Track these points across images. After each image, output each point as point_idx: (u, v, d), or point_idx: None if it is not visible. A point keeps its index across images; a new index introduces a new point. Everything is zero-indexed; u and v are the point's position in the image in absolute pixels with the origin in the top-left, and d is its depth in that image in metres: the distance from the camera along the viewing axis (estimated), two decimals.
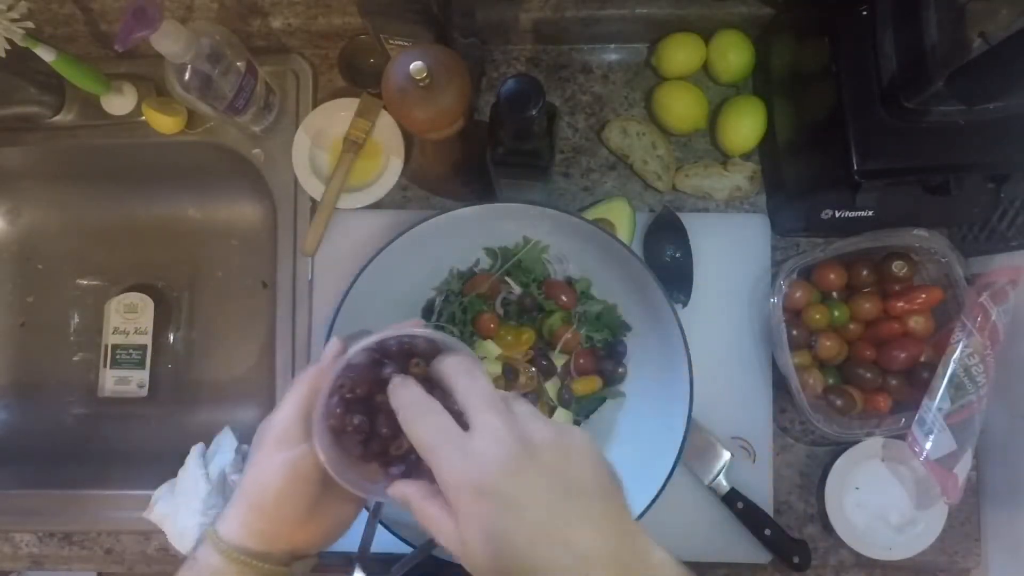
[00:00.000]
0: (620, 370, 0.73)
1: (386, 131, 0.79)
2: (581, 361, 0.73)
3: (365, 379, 0.44)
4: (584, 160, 0.81)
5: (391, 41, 0.68)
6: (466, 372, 0.41)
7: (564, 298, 0.72)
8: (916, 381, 0.71)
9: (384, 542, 0.58)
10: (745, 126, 0.76)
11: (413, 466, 0.42)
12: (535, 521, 0.35)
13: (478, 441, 0.37)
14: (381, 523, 0.59)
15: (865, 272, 0.74)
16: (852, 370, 0.74)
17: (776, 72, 0.76)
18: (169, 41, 0.62)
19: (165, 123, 0.79)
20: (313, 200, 0.80)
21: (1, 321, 0.96)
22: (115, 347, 0.91)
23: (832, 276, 0.74)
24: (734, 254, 0.78)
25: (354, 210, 0.79)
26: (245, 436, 0.76)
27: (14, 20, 0.65)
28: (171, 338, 0.95)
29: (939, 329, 0.73)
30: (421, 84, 0.56)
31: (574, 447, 0.38)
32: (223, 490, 0.73)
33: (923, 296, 0.73)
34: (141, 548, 0.81)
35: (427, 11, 0.62)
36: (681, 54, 0.77)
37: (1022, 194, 0.69)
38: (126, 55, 0.69)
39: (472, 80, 0.61)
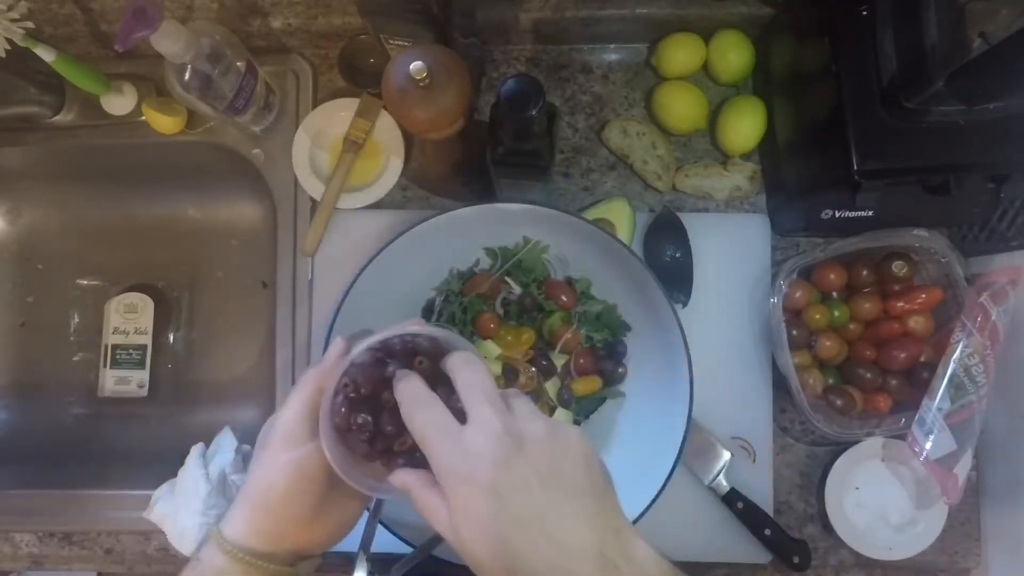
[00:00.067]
0: (620, 370, 0.73)
1: (386, 131, 0.79)
2: (581, 361, 0.73)
3: (369, 378, 0.45)
4: (584, 160, 0.81)
5: (391, 41, 0.68)
6: (468, 367, 0.42)
7: (564, 298, 0.72)
8: (916, 381, 0.71)
9: (384, 542, 0.58)
10: (745, 126, 0.76)
11: (417, 463, 0.42)
12: (521, 512, 0.37)
13: (472, 434, 0.39)
14: (381, 523, 0.59)
15: (865, 272, 0.74)
16: (852, 370, 0.74)
17: (776, 72, 0.76)
18: (169, 41, 0.62)
19: (165, 123, 0.79)
20: (313, 200, 0.80)
21: (1, 321, 0.96)
22: (115, 347, 0.91)
23: (832, 276, 0.74)
24: (734, 254, 0.78)
25: (354, 210, 0.79)
26: (245, 436, 0.76)
27: (14, 20, 0.65)
28: (171, 338, 0.95)
29: (939, 329, 0.73)
30: (421, 84, 0.56)
31: (567, 444, 0.40)
32: (223, 490, 0.73)
33: (923, 296, 0.73)
34: (141, 548, 0.81)
35: (427, 11, 0.62)
36: (681, 54, 0.77)
37: (1022, 194, 0.69)
38: (126, 55, 0.69)
39: (472, 80, 0.61)
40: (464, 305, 0.72)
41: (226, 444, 0.75)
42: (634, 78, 0.82)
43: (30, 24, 0.66)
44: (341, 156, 0.78)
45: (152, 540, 0.81)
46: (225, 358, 0.94)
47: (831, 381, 0.75)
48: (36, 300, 0.96)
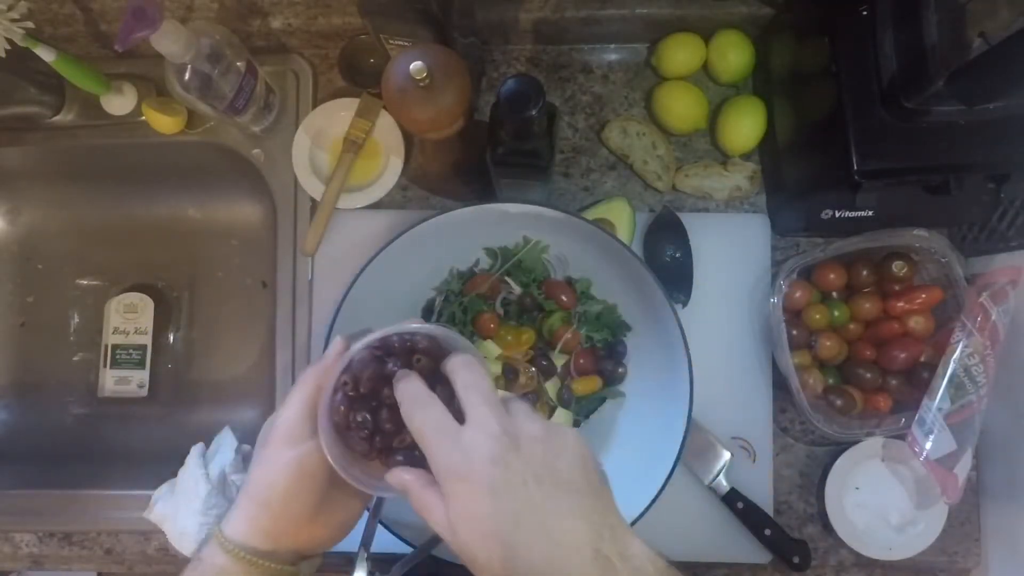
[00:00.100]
0: (620, 370, 0.73)
1: (386, 131, 0.79)
2: (581, 361, 0.73)
3: (368, 376, 0.45)
4: (584, 160, 0.81)
5: (391, 41, 0.68)
6: (467, 369, 0.43)
7: (564, 298, 0.72)
8: (916, 381, 0.71)
9: (384, 542, 0.58)
10: (745, 126, 0.76)
11: (416, 462, 0.43)
12: (518, 510, 0.37)
13: (470, 433, 0.39)
14: (381, 523, 0.59)
15: (865, 272, 0.74)
16: (852, 370, 0.74)
17: (776, 72, 0.76)
18: (169, 41, 0.62)
19: (165, 123, 0.79)
20: (313, 200, 0.80)
21: (1, 321, 0.96)
22: (115, 347, 0.91)
23: (832, 276, 0.74)
24: (734, 254, 0.78)
25: (354, 210, 0.79)
26: (245, 436, 0.76)
27: (14, 20, 0.65)
28: (171, 338, 0.95)
29: (939, 329, 0.73)
30: (421, 84, 0.56)
31: (564, 444, 0.40)
32: (223, 490, 0.73)
33: (923, 296, 0.73)
34: (141, 548, 0.81)
35: (427, 11, 0.62)
36: (681, 54, 0.77)
37: (1022, 194, 0.69)
38: (126, 55, 0.69)
39: (472, 80, 0.61)
40: (464, 305, 0.72)
41: (226, 444, 0.75)
42: (634, 78, 0.82)
43: (30, 24, 0.66)
44: (341, 156, 0.78)
45: (152, 540, 0.81)
46: (225, 358, 0.94)
47: (831, 381, 0.75)
48: (36, 300, 0.96)
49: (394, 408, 0.43)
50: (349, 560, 0.54)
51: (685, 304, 0.76)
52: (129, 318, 0.92)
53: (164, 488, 0.74)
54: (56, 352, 0.95)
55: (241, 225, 0.94)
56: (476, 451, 0.38)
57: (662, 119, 0.79)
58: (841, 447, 0.76)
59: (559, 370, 0.74)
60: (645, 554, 0.38)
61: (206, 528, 0.71)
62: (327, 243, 0.79)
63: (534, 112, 0.54)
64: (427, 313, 0.74)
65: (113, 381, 0.91)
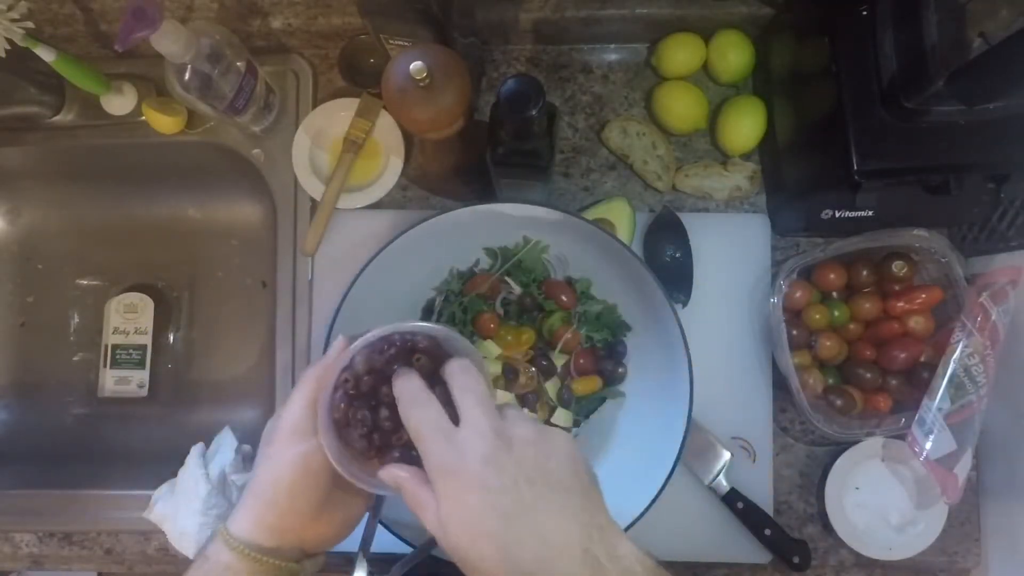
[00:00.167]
0: (620, 370, 0.73)
1: (386, 131, 0.79)
2: (581, 361, 0.73)
3: (368, 374, 0.46)
4: (584, 160, 0.81)
5: (391, 41, 0.68)
6: (465, 374, 0.43)
7: (564, 298, 0.72)
8: (916, 381, 0.71)
9: (384, 542, 0.58)
10: (745, 126, 0.76)
11: (412, 460, 0.43)
12: (508, 508, 0.38)
13: (464, 433, 0.40)
14: (381, 523, 0.59)
15: (865, 272, 0.74)
16: (852, 370, 0.74)
17: (776, 72, 0.76)
18: (169, 41, 0.62)
19: (165, 123, 0.79)
20: (313, 200, 0.80)
21: (1, 321, 0.96)
22: (115, 347, 0.91)
23: (832, 276, 0.74)
24: (734, 254, 0.78)
25: (354, 210, 0.79)
26: (245, 436, 0.76)
27: (14, 20, 0.65)
28: (171, 338, 0.95)
29: (939, 329, 0.73)
30: (421, 84, 0.56)
31: (555, 445, 0.41)
32: (223, 490, 0.73)
33: (923, 296, 0.73)
34: (141, 548, 0.81)
35: (427, 11, 0.62)
36: (681, 54, 0.77)
37: (1022, 194, 0.69)
38: (126, 55, 0.69)
39: (472, 80, 0.61)
40: (464, 305, 0.72)
41: (226, 444, 0.75)
42: (634, 78, 0.82)
43: (30, 24, 0.66)
44: (341, 156, 0.78)
45: (152, 540, 0.81)
46: (225, 358, 0.94)
47: (831, 381, 0.75)
48: (36, 300, 0.96)
49: (393, 407, 0.43)
50: (349, 560, 0.54)
51: (685, 304, 0.76)
52: (129, 318, 0.92)
53: (164, 488, 0.74)
54: (56, 352, 0.95)
55: (241, 225, 0.94)
56: (469, 451, 0.39)
57: (662, 119, 0.79)
58: (841, 447, 0.76)
59: (559, 370, 0.74)
60: (633, 554, 0.39)
61: (206, 528, 0.71)
62: (327, 243, 0.79)
63: (534, 112, 0.54)
64: (427, 313, 0.74)
65: (113, 381, 0.91)
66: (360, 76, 0.80)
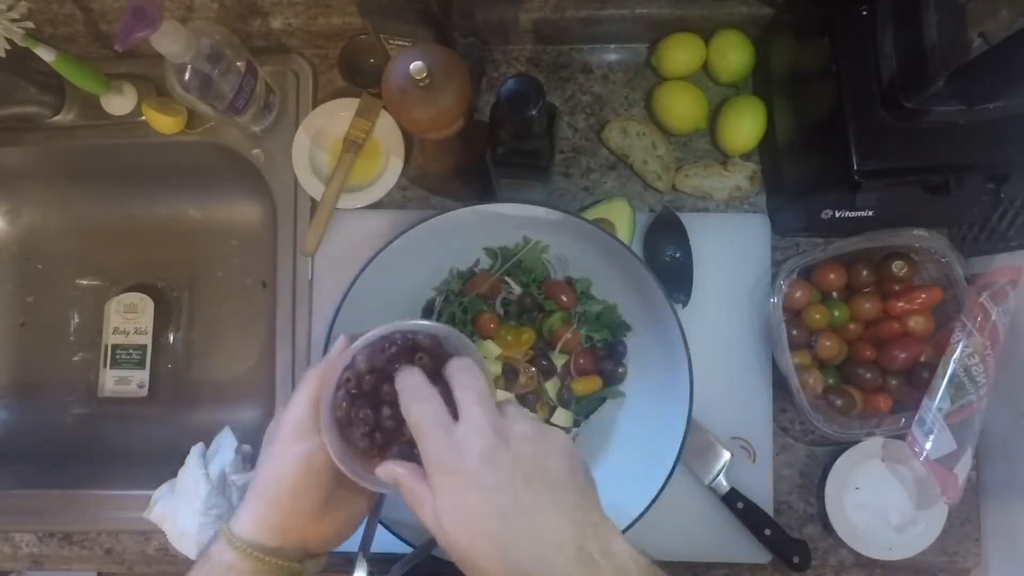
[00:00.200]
0: (620, 370, 0.73)
1: (386, 131, 0.79)
2: (581, 361, 0.73)
3: (370, 373, 0.46)
4: (584, 160, 0.81)
5: (391, 41, 0.68)
6: (466, 373, 0.44)
7: (564, 298, 0.72)
8: (916, 381, 0.71)
9: (384, 542, 0.58)
10: (745, 126, 0.76)
11: (412, 458, 0.43)
12: (503, 504, 0.38)
13: (463, 429, 0.40)
14: (381, 523, 0.59)
15: (865, 272, 0.74)
16: (852, 370, 0.74)
17: (776, 72, 0.76)
18: (169, 41, 0.62)
19: (165, 123, 0.79)
20: (313, 200, 0.80)
21: (1, 321, 0.96)
22: (115, 347, 0.91)
23: (832, 276, 0.74)
24: (734, 254, 0.78)
25: (354, 210, 0.79)
26: (245, 436, 0.76)
27: (14, 20, 0.65)
28: (171, 338, 0.95)
29: (939, 329, 0.73)
30: (421, 84, 0.56)
31: (551, 443, 0.41)
32: (223, 490, 0.73)
33: (923, 296, 0.73)
34: (141, 548, 0.81)
35: (427, 11, 0.62)
36: (681, 54, 0.77)
37: (1022, 194, 0.69)
38: (126, 55, 0.69)
39: (472, 80, 0.61)
40: (464, 305, 0.72)
41: (226, 444, 0.75)
42: (634, 78, 0.82)
43: (30, 24, 0.66)
44: (341, 156, 0.78)
45: (152, 540, 0.81)
46: (225, 358, 0.94)
47: (831, 381, 0.75)
48: (36, 300, 0.96)
49: (395, 405, 0.44)
50: (349, 560, 0.54)
51: (685, 304, 0.76)
52: (129, 318, 0.92)
53: (164, 488, 0.74)
54: (56, 352, 0.95)
55: (241, 225, 0.94)
56: (467, 447, 0.39)
57: (662, 119, 0.79)
58: (841, 447, 0.76)
59: (559, 370, 0.74)
60: (627, 552, 0.39)
61: (206, 528, 0.71)
62: (327, 243, 0.79)
63: (534, 112, 0.54)
64: (427, 313, 0.74)
65: (113, 381, 0.91)
66: (360, 76, 0.80)
